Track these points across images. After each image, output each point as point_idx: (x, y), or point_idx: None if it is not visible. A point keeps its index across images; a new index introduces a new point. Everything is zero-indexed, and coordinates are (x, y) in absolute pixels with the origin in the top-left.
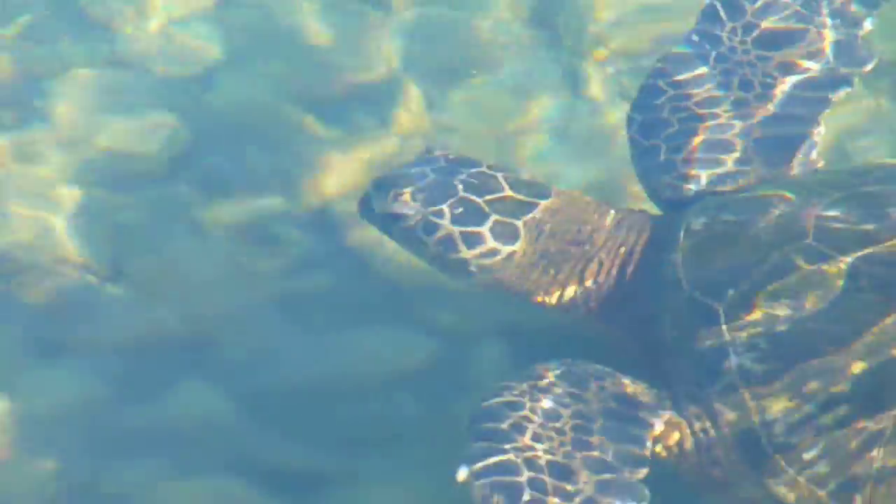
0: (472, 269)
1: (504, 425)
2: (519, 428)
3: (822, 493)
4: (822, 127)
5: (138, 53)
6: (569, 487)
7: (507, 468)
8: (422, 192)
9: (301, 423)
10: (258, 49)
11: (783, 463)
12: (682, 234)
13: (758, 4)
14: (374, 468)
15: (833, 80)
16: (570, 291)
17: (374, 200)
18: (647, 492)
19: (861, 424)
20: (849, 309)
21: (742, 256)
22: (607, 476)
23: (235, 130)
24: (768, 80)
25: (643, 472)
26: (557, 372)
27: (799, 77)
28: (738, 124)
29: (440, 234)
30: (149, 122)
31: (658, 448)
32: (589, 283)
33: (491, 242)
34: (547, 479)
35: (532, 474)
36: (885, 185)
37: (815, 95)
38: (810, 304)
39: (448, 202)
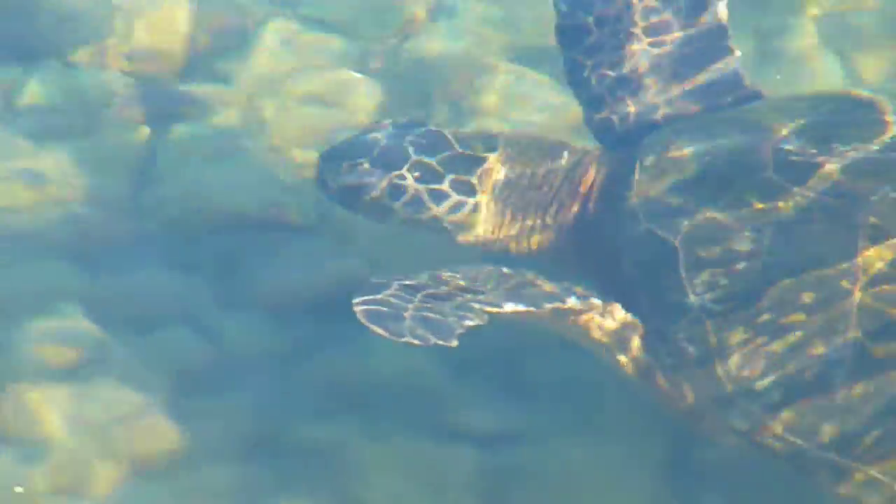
0: (446, 225)
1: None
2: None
3: (776, 423)
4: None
5: None
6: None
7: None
8: (379, 158)
9: (496, 386)
10: None
11: (738, 394)
12: (637, 168)
13: None
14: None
15: None
16: (539, 235)
17: (328, 175)
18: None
19: (816, 352)
20: (802, 241)
21: (699, 190)
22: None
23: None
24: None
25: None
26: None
27: None
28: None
29: (408, 196)
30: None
31: (630, 369)
32: (553, 224)
33: (455, 196)
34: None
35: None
36: (836, 115)
37: None
38: (766, 237)
39: (406, 166)
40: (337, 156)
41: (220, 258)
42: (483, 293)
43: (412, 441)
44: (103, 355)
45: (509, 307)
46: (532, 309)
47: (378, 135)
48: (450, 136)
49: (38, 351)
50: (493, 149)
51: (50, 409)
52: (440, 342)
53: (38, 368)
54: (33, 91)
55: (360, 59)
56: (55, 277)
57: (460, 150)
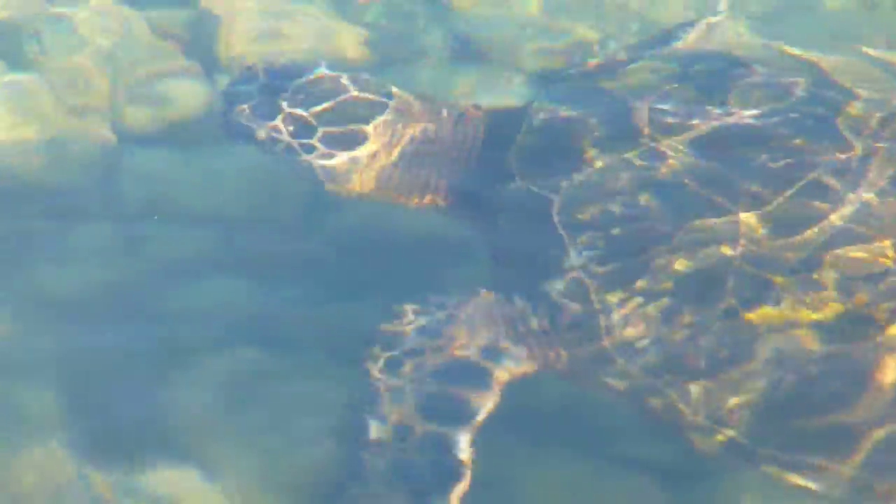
0: (322, 175)
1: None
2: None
3: (656, 381)
4: None
5: None
6: None
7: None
8: (258, 107)
9: None
10: None
11: (616, 354)
12: (522, 129)
13: None
14: None
15: None
16: (433, 189)
17: (228, 117)
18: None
19: (687, 319)
20: (675, 206)
21: (581, 152)
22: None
23: None
24: None
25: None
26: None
27: None
28: None
29: (281, 142)
30: None
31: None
32: (444, 179)
33: (322, 149)
34: None
35: None
36: (710, 76)
37: None
38: (643, 200)
39: (279, 117)
40: (230, 94)
41: None
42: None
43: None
44: None
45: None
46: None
47: (253, 85)
48: (346, 80)
49: None
50: (390, 96)
51: None
52: None
53: None
54: None
55: None
56: None
57: (357, 94)
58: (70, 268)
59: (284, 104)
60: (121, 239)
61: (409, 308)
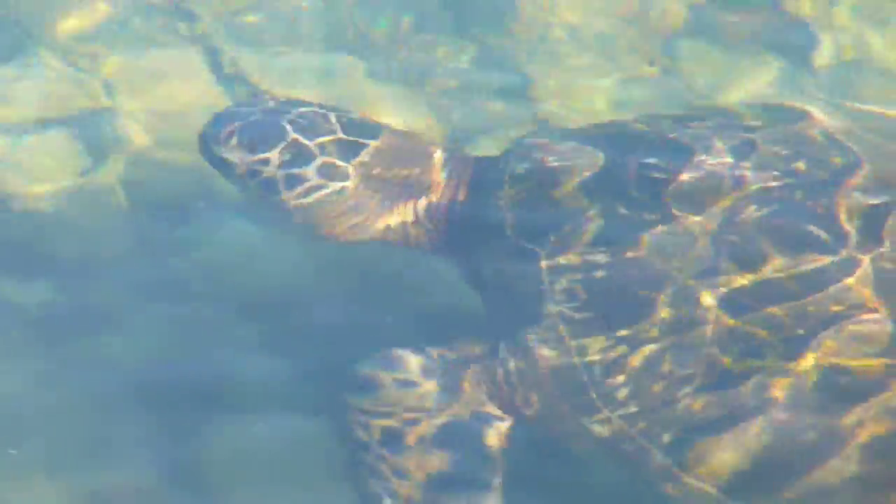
0: (303, 212)
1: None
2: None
3: (632, 431)
4: None
5: None
6: None
7: None
8: (248, 135)
9: None
10: None
11: (599, 402)
12: (506, 177)
13: None
14: None
15: None
16: (412, 229)
17: (209, 143)
18: None
19: (667, 368)
20: (662, 256)
21: (564, 203)
22: None
23: None
24: None
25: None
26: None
27: None
28: None
29: (264, 175)
30: None
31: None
32: (422, 221)
33: (318, 181)
34: None
35: None
36: (699, 129)
37: None
38: (629, 252)
39: (278, 147)
40: (217, 126)
41: None
42: None
43: None
44: None
45: None
46: None
47: (255, 109)
48: (333, 118)
49: None
50: (375, 136)
51: None
52: None
53: None
54: None
55: None
56: None
57: (342, 136)
58: None
59: (290, 128)
60: None
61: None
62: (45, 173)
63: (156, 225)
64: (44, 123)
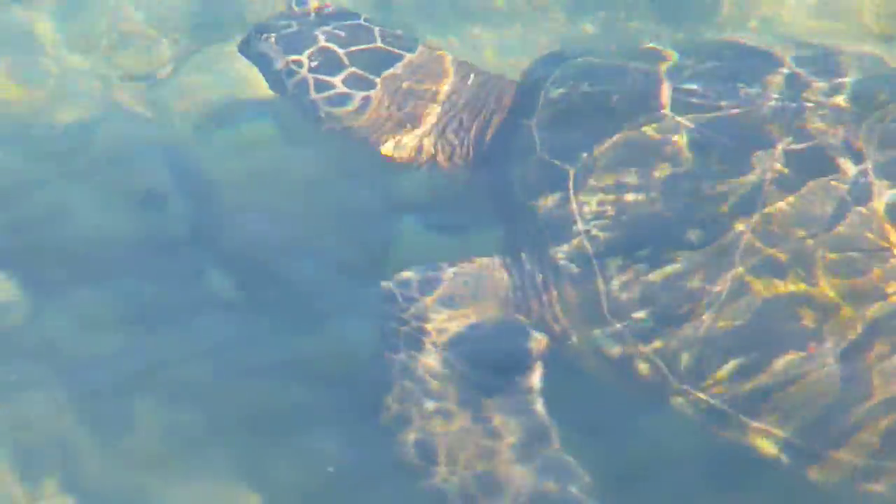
0: (328, 119)
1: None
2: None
3: (646, 348)
4: None
5: None
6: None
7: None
8: (285, 39)
9: None
10: None
11: (614, 319)
12: (540, 101)
13: None
14: None
15: None
16: (430, 146)
17: (252, 41)
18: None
19: (693, 285)
20: (692, 179)
21: (597, 126)
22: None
23: None
24: None
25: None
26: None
27: None
28: None
29: (297, 78)
30: None
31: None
32: (450, 140)
33: (343, 89)
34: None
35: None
36: (741, 61)
37: None
38: (658, 173)
39: (307, 52)
40: (262, 29)
41: None
42: None
43: None
44: None
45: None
46: None
47: (293, 21)
48: (376, 31)
49: None
50: (411, 49)
51: None
52: None
53: None
54: None
55: None
56: None
57: (380, 45)
58: None
59: (322, 38)
60: None
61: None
62: None
63: None
64: None
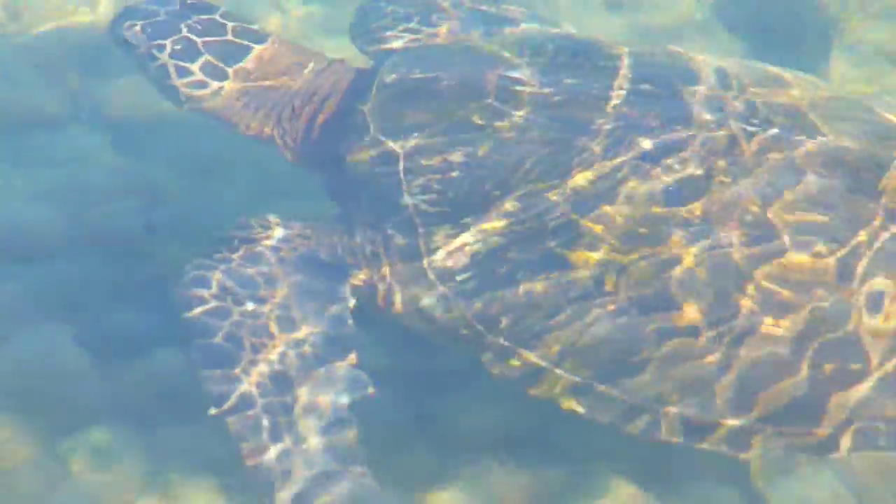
0: (182, 98)
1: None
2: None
3: (466, 310)
4: None
5: None
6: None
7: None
8: (150, 27)
9: None
10: None
11: (438, 282)
12: (374, 86)
13: None
14: None
15: None
16: (270, 130)
17: (116, 27)
18: (368, 379)
19: (511, 255)
20: (515, 155)
21: (427, 109)
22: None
23: None
24: None
25: (353, 357)
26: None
27: None
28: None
29: (158, 63)
30: None
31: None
32: (284, 124)
33: (200, 76)
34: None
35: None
36: (573, 57)
37: None
38: (482, 152)
39: (170, 38)
40: (126, 16)
41: None
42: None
43: None
44: None
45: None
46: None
47: (161, 9)
48: (229, 26)
49: None
50: (261, 41)
51: None
52: None
53: None
54: None
55: None
56: None
57: (231, 38)
58: None
59: (184, 27)
60: None
61: (270, 218)
62: None
63: None
64: None
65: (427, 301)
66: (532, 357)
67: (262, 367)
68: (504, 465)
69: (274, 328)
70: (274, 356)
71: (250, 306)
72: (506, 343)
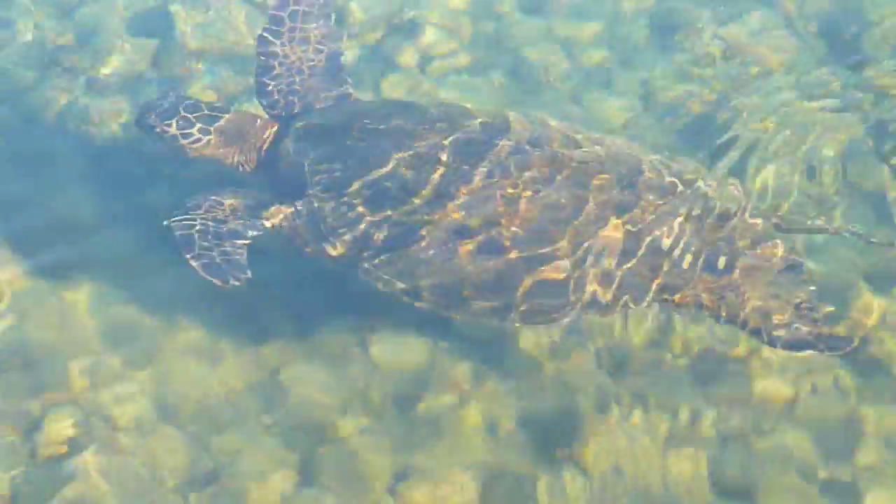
0: (192, 150)
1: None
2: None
3: (351, 251)
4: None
5: None
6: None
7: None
8: (160, 114)
9: None
10: None
11: (331, 237)
12: (293, 129)
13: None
14: None
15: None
16: (244, 161)
17: (141, 118)
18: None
19: (368, 218)
20: (378, 147)
21: (321, 138)
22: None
23: None
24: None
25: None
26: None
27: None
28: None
29: (170, 133)
30: None
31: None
32: (246, 154)
33: (196, 135)
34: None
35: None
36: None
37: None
38: (354, 159)
39: (174, 118)
40: (146, 108)
41: None
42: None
43: None
44: None
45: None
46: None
47: (164, 101)
48: (203, 104)
49: None
50: (227, 112)
51: None
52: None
53: None
54: None
55: None
56: None
57: (206, 112)
58: None
59: (181, 109)
60: None
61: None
62: None
63: None
64: None
65: (326, 246)
66: (382, 275)
67: (208, 221)
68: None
69: (221, 217)
70: (212, 221)
71: (210, 219)
72: (367, 262)
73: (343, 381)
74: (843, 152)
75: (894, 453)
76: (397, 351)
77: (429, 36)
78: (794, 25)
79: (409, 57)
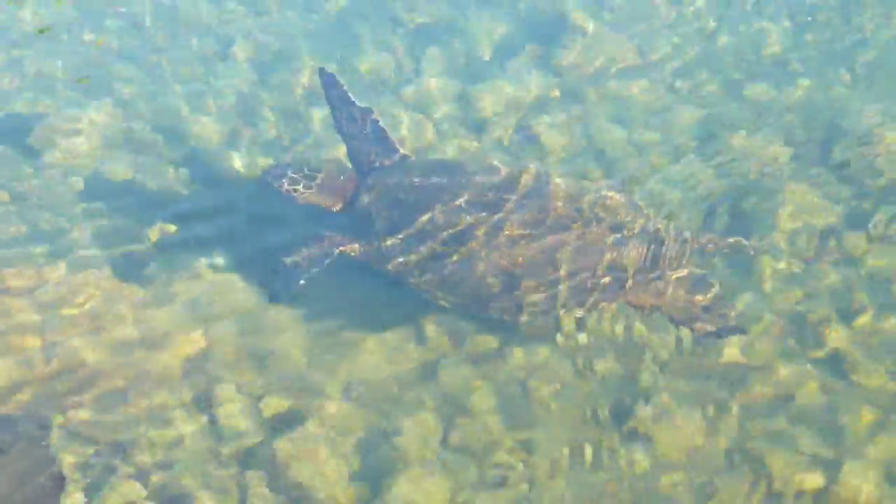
0: (299, 199)
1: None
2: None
3: (407, 267)
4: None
5: None
6: None
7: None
8: (276, 176)
9: None
10: None
11: (388, 255)
12: (363, 183)
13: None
14: None
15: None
16: (339, 205)
17: (264, 177)
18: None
19: (422, 249)
20: (418, 205)
21: (387, 190)
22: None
23: None
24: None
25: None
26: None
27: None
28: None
29: (284, 188)
30: None
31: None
32: (341, 200)
33: (304, 189)
34: None
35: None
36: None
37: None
38: (403, 208)
39: (286, 177)
40: (274, 170)
41: None
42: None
43: None
44: None
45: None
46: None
47: (286, 168)
48: (306, 168)
49: None
50: (321, 170)
51: None
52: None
53: None
54: None
55: None
56: None
57: (308, 171)
58: None
59: (289, 171)
60: None
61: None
62: None
63: None
64: None
65: (388, 264)
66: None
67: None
68: None
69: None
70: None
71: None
72: (412, 278)
73: (477, 371)
74: None
75: None
76: (527, 352)
77: None
78: None
79: None
